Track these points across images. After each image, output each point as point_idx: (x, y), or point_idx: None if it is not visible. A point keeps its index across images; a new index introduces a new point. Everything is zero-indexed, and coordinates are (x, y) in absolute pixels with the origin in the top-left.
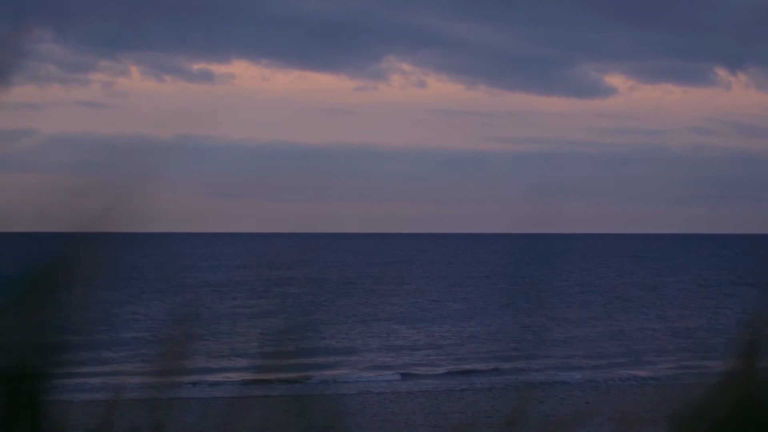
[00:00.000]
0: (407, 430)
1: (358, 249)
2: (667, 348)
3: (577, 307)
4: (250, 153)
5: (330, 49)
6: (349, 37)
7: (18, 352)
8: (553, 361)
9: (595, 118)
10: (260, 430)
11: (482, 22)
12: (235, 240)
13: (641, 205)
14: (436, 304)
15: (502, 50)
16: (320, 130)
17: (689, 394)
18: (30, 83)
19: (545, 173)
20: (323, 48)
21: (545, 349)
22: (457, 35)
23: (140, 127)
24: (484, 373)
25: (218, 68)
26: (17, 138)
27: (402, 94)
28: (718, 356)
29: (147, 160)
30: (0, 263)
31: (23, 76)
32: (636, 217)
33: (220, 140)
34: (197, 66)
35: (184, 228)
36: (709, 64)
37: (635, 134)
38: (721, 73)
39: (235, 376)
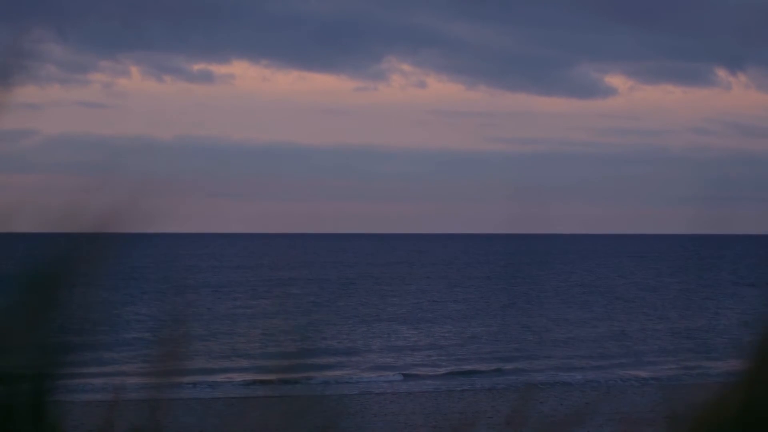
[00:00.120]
0: (407, 431)
1: (358, 249)
2: (668, 348)
3: (578, 308)
4: (250, 153)
5: (330, 50)
6: (350, 38)
7: (20, 352)
8: (554, 361)
9: (595, 119)
10: (261, 431)
11: (482, 22)
12: (235, 240)
13: (641, 205)
14: (437, 304)
15: (502, 51)
16: (320, 131)
17: (690, 395)
18: (29, 83)
19: (545, 174)
20: (323, 48)
21: (546, 349)
22: (457, 36)
23: (140, 127)
24: (485, 374)
25: (218, 69)
26: (17, 138)
27: (402, 94)
28: (719, 357)
29: (147, 160)
30: (1, 264)
31: (23, 77)
32: (636, 218)
33: (221, 140)
34: (197, 66)
35: (184, 228)
36: (709, 64)
37: (635, 135)
38: (721, 73)
39: (236, 377)
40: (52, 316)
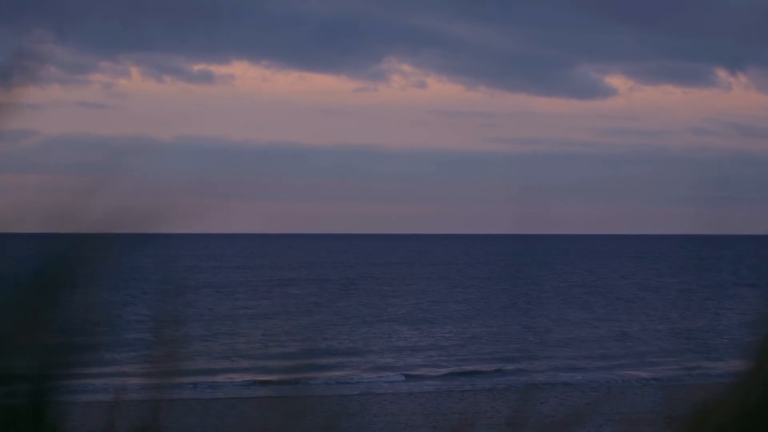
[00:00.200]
0: (408, 431)
1: (358, 250)
2: (669, 349)
3: (579, 308)
4: (250, 154)
5: (330, 50)
6: (350, 38)
7: (22, 353)
8: (555, 362)
9: (595, 119)
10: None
11: (482, 22)
12: (236, 241)
13: (641, 205)
14: (438, 304)
15: (502, 51)
16: (320, 131)
17: (691, 395)
18: (35, 84)
19: (545, 174)
20: (323, 49)
21: (547, 350)
22: (457, 36)
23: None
24: (486, 374)
25: (218, 69)
26: (17, 138)
27: (402, 94)
28: (719, 357)
29: (147, 160)
30: (1, 264)
31: (23, 78)
32: (636, 218)
33: (221, 141)
34: (197, 67)
35: (184, 229)
36: (709, 65)
37: (635, 135)
38: (721, 74)
39: (237, 377)
40: (53, 316)
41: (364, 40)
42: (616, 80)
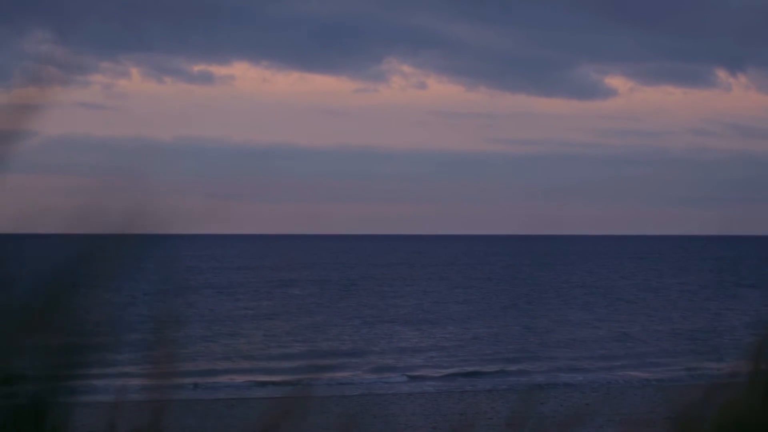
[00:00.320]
0: None
1: (359, 250)
2: (670, 350)
3: (579, 309)
4: (250, 154)
5: (330, 51)
6: (350, 39)
7: (27, 354)
8: (556, 362)
9: (595, 120)
10: None
11: (482, 23)
12: (236, 242)
13: (642, 206)
14: (439, 305)
15: (503, 52)
16: (321, 132)
17: (692, 396)
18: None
19: (545, 175)
20: (324, 50)
21: (547, 350)
22: (458, 37)
23: (140, 128)
24: (488, 375)
25: (218, 70)
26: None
27: (402, 95)
28: (720, 358)
29: (147, 161)
30: (1, 265)
31: (24, 78)
32: (637, 219)
33: (221, 142)
34: (197, 67)
35: (184, 229)
36: (709, 65)
37: (635, 136)
38: (721, 74)
39: (238, 378)
40: (56, 317)
41: (365, 41)
42: (616, 81)
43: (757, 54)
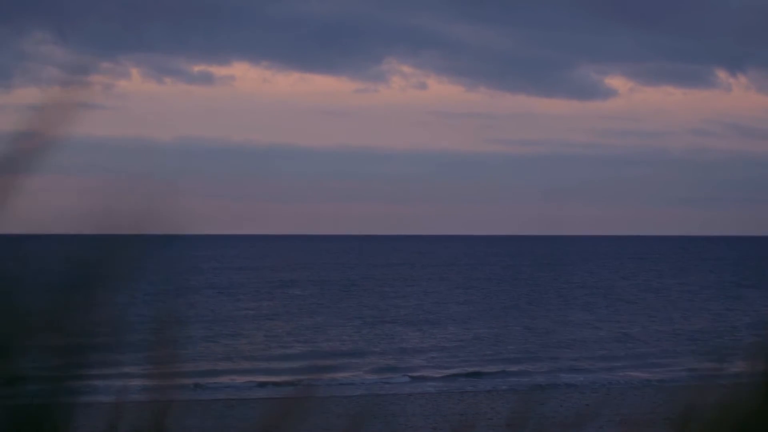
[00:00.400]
0: None
1: (359, 251)
2: (670, 350)
3: (580, 309)
4: (251, 155)
5: (330, 51)
6: (350, 39)
7: (33, 355)
8: (557, 363)
9: (595, 120)
10: None
11: (482, 24)
12: (236, 242)
13: (642, 206)
14: (440, 306)
15: (503, 52)
16: (321, 132)
17: (693, 396)
18: (31, 85)
19: (545, 175)
20: (324, 50)
21: (548, 351)
22: (458, 37)
23: (140, 128)
24: (489, 376)
25: (218, 70)
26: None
27: (402, 95)
28: (721, 358)
29: (147, 161)
30: (2, 266)
31: (24, 79)
32: (637, 219)
33: (221, 142)
34: (197, 68)
35: (185, 230)
36: (709, 66)
37: (635, 136)
38: (722, 74)
39: (239, 379)
40: (59, 318)
41: (365, 41)
42: (616, 81)
43: (757, 54)
